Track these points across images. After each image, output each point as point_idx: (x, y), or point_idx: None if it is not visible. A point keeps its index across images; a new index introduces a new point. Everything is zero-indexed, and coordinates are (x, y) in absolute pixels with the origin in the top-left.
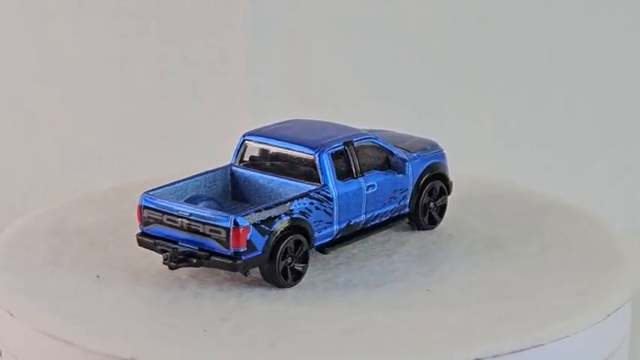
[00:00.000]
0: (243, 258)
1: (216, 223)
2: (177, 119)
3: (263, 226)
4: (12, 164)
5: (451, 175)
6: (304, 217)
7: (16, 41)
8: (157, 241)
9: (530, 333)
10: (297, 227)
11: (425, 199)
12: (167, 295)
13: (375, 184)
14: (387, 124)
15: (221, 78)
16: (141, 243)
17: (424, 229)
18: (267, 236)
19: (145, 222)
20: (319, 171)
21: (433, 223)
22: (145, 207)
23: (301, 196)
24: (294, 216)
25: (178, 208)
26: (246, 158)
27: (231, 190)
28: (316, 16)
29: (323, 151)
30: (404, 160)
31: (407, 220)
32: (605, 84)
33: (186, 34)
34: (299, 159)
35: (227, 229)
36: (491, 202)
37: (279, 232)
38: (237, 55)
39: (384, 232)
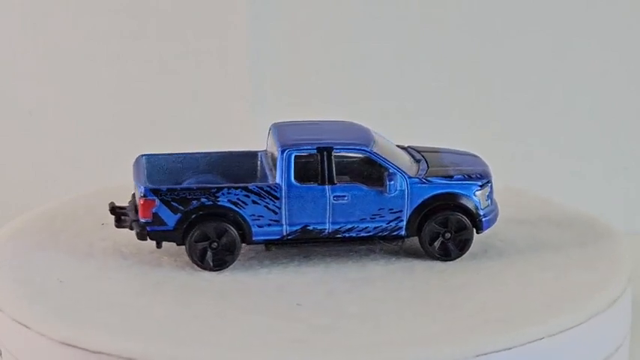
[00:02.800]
0: (148, 229)
1: (138, 191)
2: (177, 119)
3: (175, 204)
4: (12, 164)
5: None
6: (235, 208)
7: (16, 41)
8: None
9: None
10: (223, 215)
11: (432, 227)
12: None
13: (348, 195)
14: (387, 124)
15: (221, 78)
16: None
17: (435, 258)
18: (179, 214)
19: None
20: (277, 168)
21: (447, 255)
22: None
23: (235, 187)
24: (219, 203)
25: (134, 172)
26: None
27: (258, 174)
28: (316, 16)
29: (285, 151)
30: (390, 180)
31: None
32: (605, 84)
33: (186, 34)
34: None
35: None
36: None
37: (194, 214)
38: (237, 55)
39: (386, 250)
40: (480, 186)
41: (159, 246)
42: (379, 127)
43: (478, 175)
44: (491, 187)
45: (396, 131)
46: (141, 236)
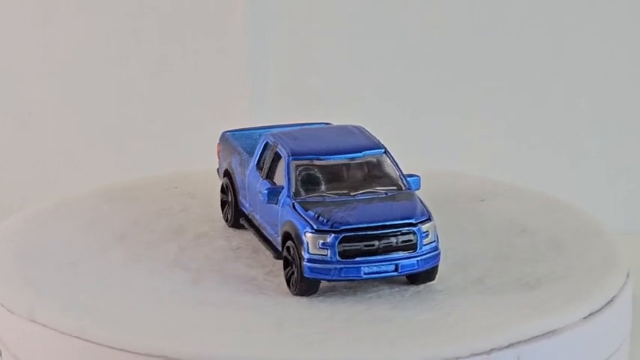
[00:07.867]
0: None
1: None
2: (177, 119)
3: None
4: (12, 164)
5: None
6: (234, 172)
7: (16, 41)
8: None
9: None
10: (230, 175)
11: (285, 252)
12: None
13: (264, 195)
14: (387, 124)
15: (221, 78)
16: None
17: None
18: None
19: None
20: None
21: (288, 286)
22: None
23: (238, 154)
24: (232, 164)
25: None
26: None
27: None
28: (316, 16)
29: (263, 136)
30: (272, 190)
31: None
32: (605, 83)
33: (186, 34)
34: None
35: None
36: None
37: (222, 168)
38: (237, 55)
39: None
40: (315, 230)
41: None
42: (379, 127)
43: (324, 220)
44: (336, 240)
45: (396, 131)
46: (219, 175)
